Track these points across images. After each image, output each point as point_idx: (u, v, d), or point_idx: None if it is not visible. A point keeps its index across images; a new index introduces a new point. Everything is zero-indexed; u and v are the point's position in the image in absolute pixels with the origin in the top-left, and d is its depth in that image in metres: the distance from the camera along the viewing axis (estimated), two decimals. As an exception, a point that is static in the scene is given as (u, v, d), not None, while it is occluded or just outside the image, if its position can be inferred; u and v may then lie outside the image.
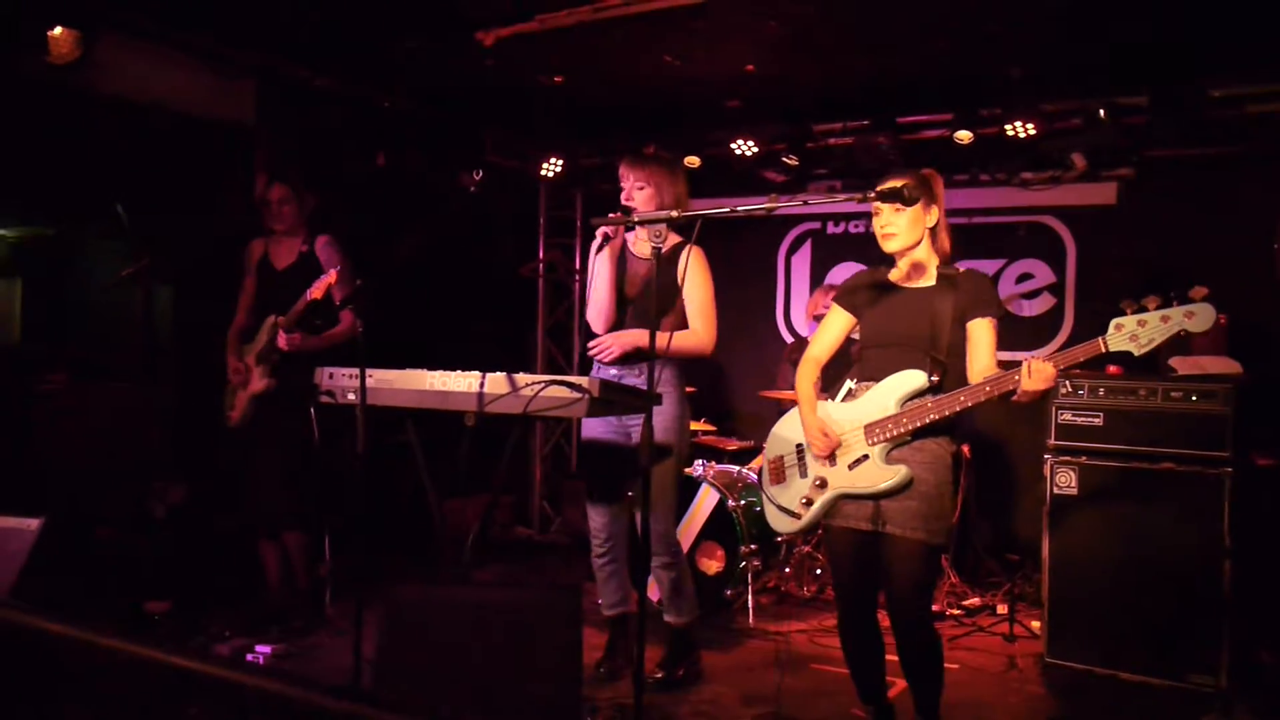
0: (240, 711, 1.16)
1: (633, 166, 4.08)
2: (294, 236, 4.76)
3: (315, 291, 4.28)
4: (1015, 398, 3.03)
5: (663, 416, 4.02)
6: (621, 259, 4.19)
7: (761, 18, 4.73)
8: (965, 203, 6.61)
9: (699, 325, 4.07)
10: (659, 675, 4.17)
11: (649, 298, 3.95)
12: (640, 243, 4.18)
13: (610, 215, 3.76)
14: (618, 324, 4.15)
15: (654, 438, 3.99)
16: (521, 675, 2.78)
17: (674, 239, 4.08)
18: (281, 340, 4.49)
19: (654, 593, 4.68)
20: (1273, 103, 5.21)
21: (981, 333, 3.22)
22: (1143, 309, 2.91)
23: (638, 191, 4.04)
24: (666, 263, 3.99)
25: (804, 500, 3.39)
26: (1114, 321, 2.93)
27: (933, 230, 3.30)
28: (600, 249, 3.98)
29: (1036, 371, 2.97)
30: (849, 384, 3.39)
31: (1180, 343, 4.64)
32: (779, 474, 3.53)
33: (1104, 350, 2.92)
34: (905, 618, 3.25)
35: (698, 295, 4.06)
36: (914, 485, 3.17)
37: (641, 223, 3.35)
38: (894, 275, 3.38)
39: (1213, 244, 5.71)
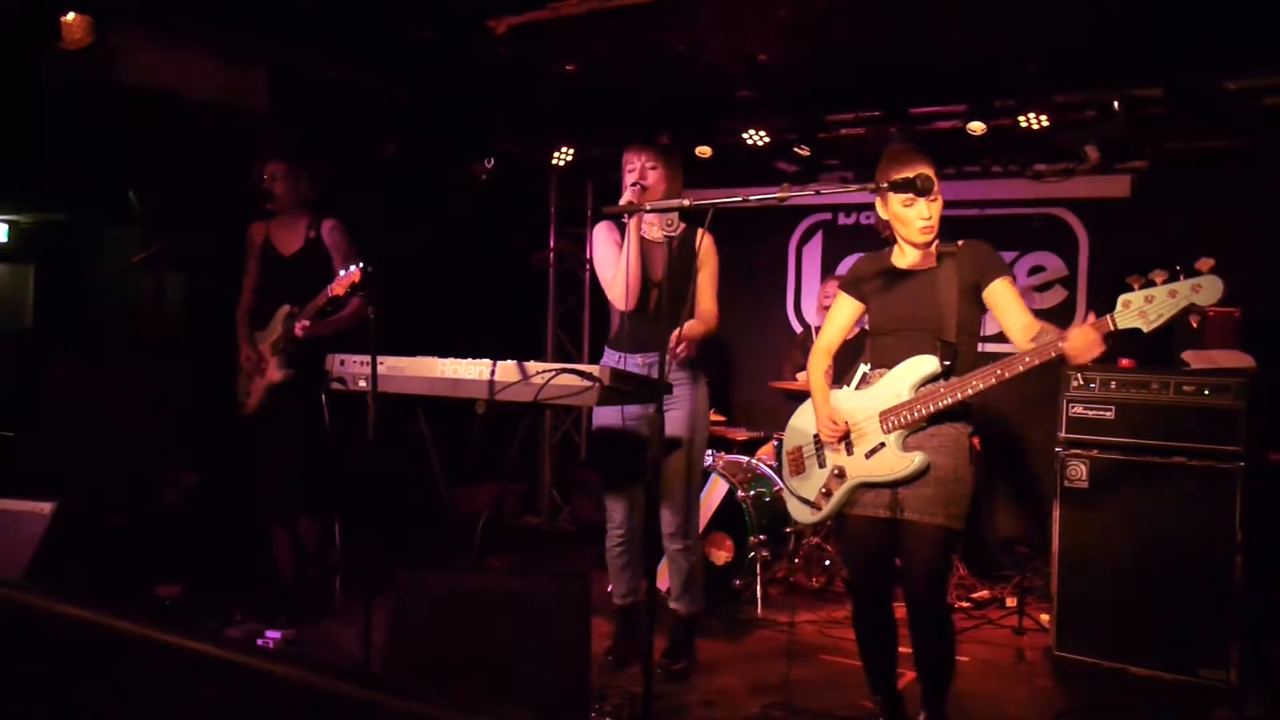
0: (251, 695, 1.16)
1: (640, 150, 4.11)
2: (298, 221, 4.73)
3: (337, 288, 4.27)
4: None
5: (684, 405, 4.03)
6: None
7: (774, 6, 4.70)
8: (977, 194, 6.59)
9: (709, 305, 4.12)
10: (665, 665, 4.18)
11: (674, 284, 3.97)
12: (651, 228, 4.17)
13: (625, 201, 3.79)
14: (641, 306, 4.13)
15: (674, 427, 4.01)
16: (530, 662, 2.79)
17: (682, 224, 4.09)
18: (298, 329, 4.49)
19: (662, 582, 4.69)
20: (1288, 95, 5.18)
21: (1004, 295, 3.19)
22: (1150, 284, 2.86)
23: (650, 171, 4.05)
24: (683, 247, 4.01)
25: (823, 491, 3.38)
26: (1121, 298, 2.87)
27: None
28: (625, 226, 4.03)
29: (1082, 337, 2.88)
30: (863, 369, 3.38)
31: (1193, 336, 4.67)
32: (798, 465, 3.52)
33: (1113, 328, 2.87)
34: (922, 604, 3.24)
35: (710, 277, 4.13)
36: (931, 471, 3.17)
37: (654, 210, 3.34)
38: (897, 260, 3.36)
39: (1227, 237, 5.66)
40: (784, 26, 4.96)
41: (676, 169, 4.14)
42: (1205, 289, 2.78)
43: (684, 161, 4.30)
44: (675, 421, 4.06)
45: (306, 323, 4.48)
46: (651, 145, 4.15)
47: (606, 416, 4.22)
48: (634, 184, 4.00)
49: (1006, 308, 3.19)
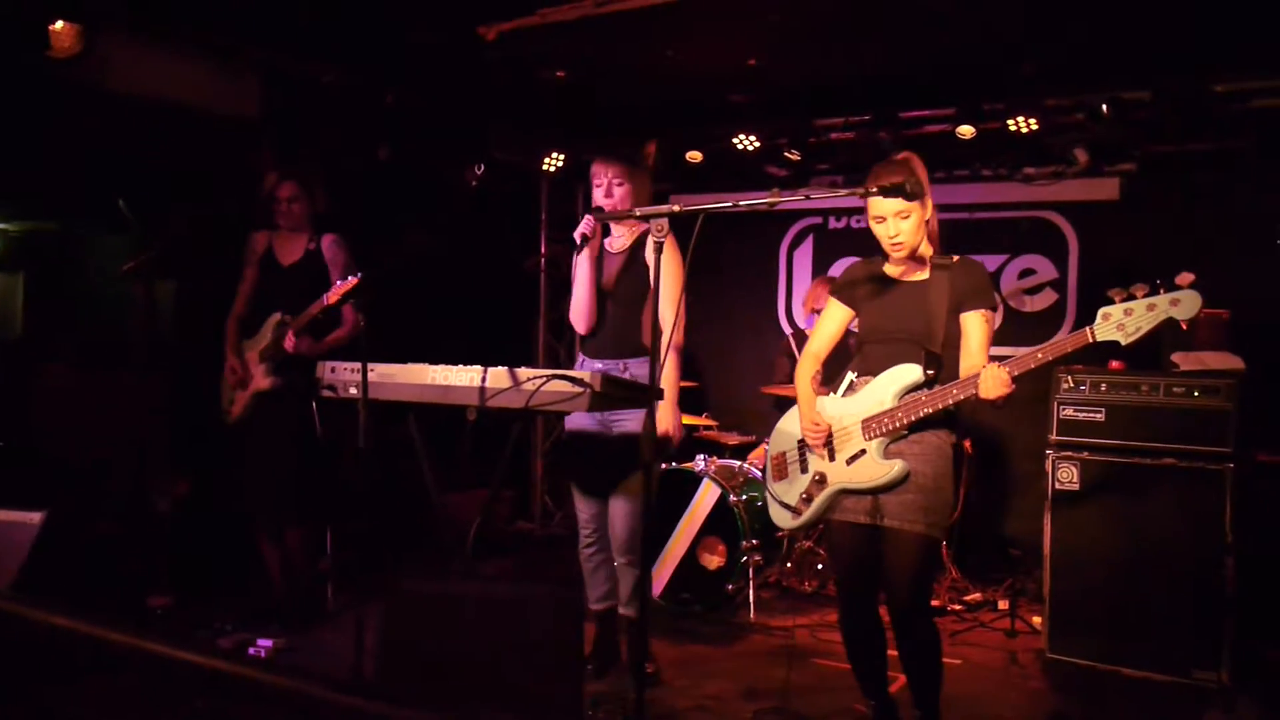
0: (242, 705, 1.16)
1: (608, 164, 4.06)
2: (300, 233, 4.75)
3: (332, 297, 4.26)
4: (987, 401, 3.03)
5: (635, 416, 4.00)
6: (599, 258, 4.19)
7: (764, 11, 4.72)
8: (967, 198, 6.61)
9: (668, 313, 3.89)
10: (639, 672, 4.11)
11: (628, 292, 3.99)
12: (617, 239, 4.17)
13: (602, 213, 3.80)
14: (599, 322, 4.13)
15: (635, 433, 3.99)
16: (523, 670, 2.78)
17: (640, 228, 4.08)
18: (289, 344, 4.49)
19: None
20: (1277, 97, 5.20)
21: (974, 327, 3.21)
22: (1131, 297, 2.89)
23: (617, 187, 4.03)
24: (636, 250, 4.01)
25: (804, 496, 3.39)
26: (1101, 311, 2.91)
27: (926, 221, 3.29)
28: (580, 250, 3.98)
29: (991, 378, 2.98)
30: (850, 376, 3.38)
31: (1182, 338, 4.68)
32: (781, 470, 3.53)
33: (1091, 340, 2.91)
34: (903, 611, 3.25)
35: (670, 285, 3.90)
36: (912, 478, 3.17)
37: (644, 216, 3.34)
38: (889, 269, 3.37)
39: (1216, 239, 5.70)
40: (774, 31, 4.97)
41: (644, 180, 4.10)
42: (1184, 303, 2.83)
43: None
44: (631, 430, 4.02)
45: (304, 342, 4.48)
46: (618, 159, 4.08)
47: (576, 421, 4.16)
48: (603, 199, 3.99)
49: (968, 341, 3.22)
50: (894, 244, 3.23)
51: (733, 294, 7.17)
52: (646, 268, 3.97)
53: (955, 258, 3.30)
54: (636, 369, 4.00)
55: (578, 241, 3.93)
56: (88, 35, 4.45)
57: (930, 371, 3.18)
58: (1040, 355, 2.97)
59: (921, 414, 3.13)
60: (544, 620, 2.88)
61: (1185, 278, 2.88)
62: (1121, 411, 4.42)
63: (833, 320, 3.51)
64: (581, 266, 4.07)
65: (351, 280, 4.12)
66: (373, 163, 6.15)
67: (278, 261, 4.74)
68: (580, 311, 4.13)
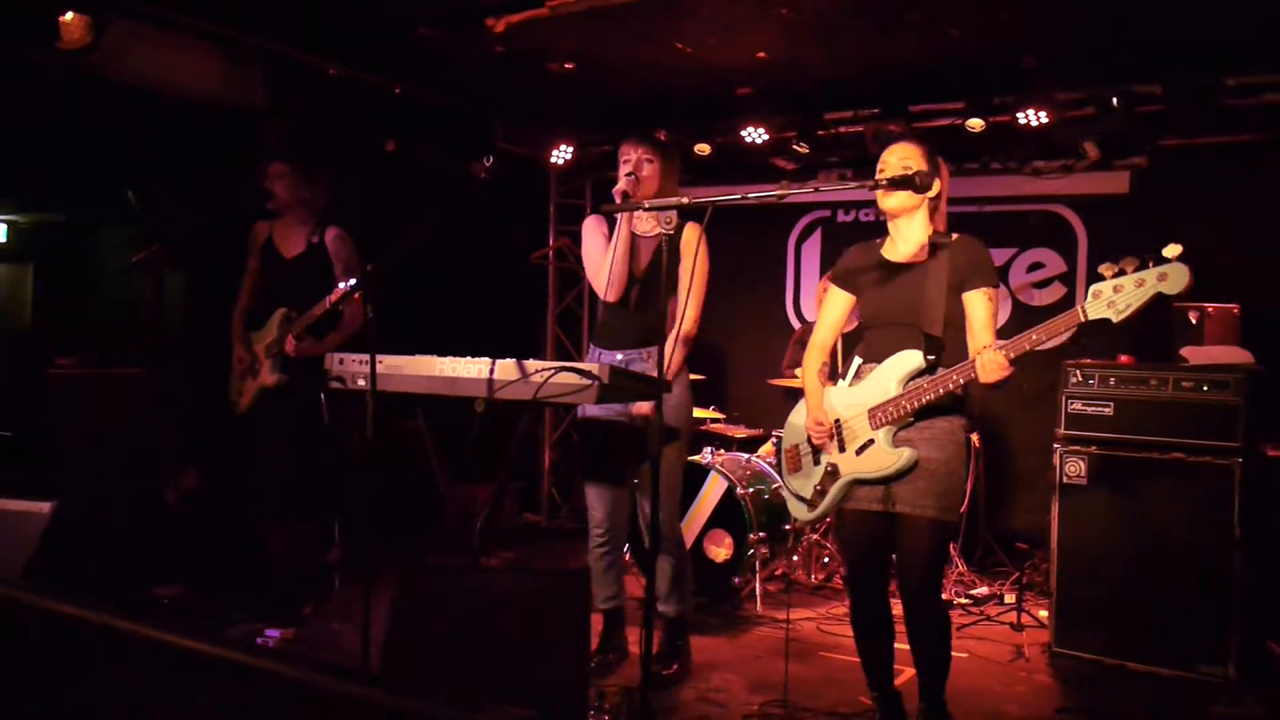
0: (250, 694, 1.16)
1: (637, 143, 4.07)
2: (302, 224, 4.72)
3: (330, 300, 4.29)
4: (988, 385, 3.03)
5: (667, 402, 4.00)
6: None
7: (773, 4, 4.70)
8: (976, 191, 6.58)
9: (687, 303, 3.96)
10: (656, 670, 4.07)
11: (656, 278, 3.97)
12: (641, 221, 4.15)
13: (619, 190, 3.79)
14: (624, 298, 4.13)
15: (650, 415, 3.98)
16: (529, 660, 2.79)
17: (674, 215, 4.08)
18: (289, 348, 4.50)
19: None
20: (1288, 92, 5.18)
21: (978, 306, 3.20)
22: (1121, 272, 2.85)
23: (647, 164, 4.03)
24: (671, 242, 3.99)
25: (818, 489, 3.40)
26: (1091, 289, 2.87)
27: (933, 206, 3.29)
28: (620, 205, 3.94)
29: (989, 362, 2.97)
30: (857, 361, 3.38)
31: (1192, 332, 4.67)
32: (795, 463, 3.53)
33: (1083, 319, 2.88)
34: (916, 596, 3.26)
35: (698, 278, 4.01)
36: (922, 464, 3.17)
37: (653, 208, 3.33)
38: (887, 251, 3.37)
39: (1226, 234, 5.67)
40: (783, 24, 4.96)
41: (673, 165, 4.11)
42: (1171, 277, 2.77)
43: (683, 159, 4.25)
44: (647, 411, 4.00)
45: (305, 345, 4.49)
46: (649, 139, 4.11)
47: (589, 412, 4.16)
48: (628, 174, 3.97)
49: (974, 321, 3.21)
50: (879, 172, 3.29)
51: (740, 287, 7.15)
52: (676, 257, 3.97)
53: (954, 236, 3.29)
54: (655, 357, 4.01)
55: (617, 200, 3.90)
56: (97, 27, 4.45)
57: (931, 356, 3.17)
58: (1035, 336, 2.95)
59: (925, 400, 3.13)
60: (549, 610, 2.88)
61: (1173, 249, 2.82)
62: (1130, 406, 4.41)
63: (835, 308, 3.51)
64: (622, 234, 4.04)
65: (349, 283, 4.21)
66: (380, 155, 6.14)
67: (279, 253, 4.72)
68: (615, 282, 4.07)
